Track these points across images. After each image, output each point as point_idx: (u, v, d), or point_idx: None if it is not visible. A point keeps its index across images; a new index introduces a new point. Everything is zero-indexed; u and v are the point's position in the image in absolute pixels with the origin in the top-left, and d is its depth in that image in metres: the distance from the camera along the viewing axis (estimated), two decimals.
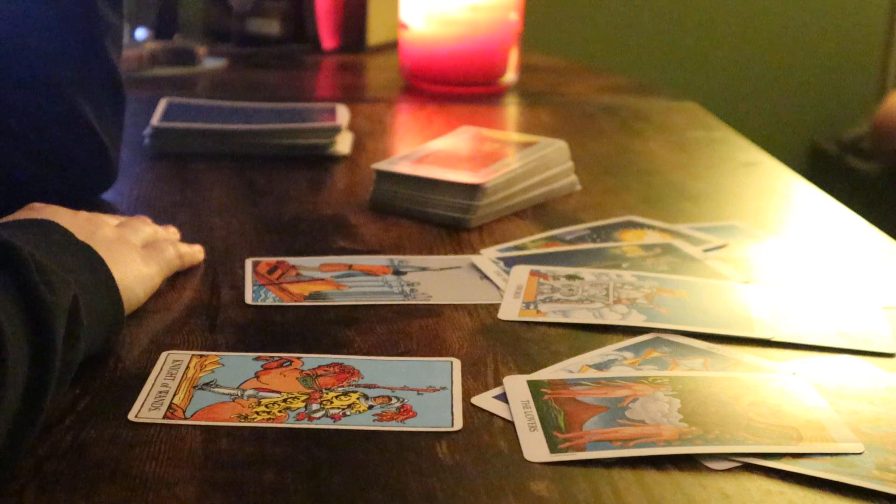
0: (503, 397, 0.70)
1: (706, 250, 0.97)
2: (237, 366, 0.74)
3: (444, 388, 0.71)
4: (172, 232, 0.93)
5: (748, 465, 0.63)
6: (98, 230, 0.81)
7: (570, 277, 0.89)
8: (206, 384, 0.71)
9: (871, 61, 2.69)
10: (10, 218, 0.80)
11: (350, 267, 0.92)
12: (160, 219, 0.94)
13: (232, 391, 0.71)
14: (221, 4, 1.85)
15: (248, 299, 0.85)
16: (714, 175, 1.25)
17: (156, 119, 1.24)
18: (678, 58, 2.62)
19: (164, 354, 0.75)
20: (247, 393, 0.70)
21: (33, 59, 0.98)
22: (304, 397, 0.70)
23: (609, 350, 0.78)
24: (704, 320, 0.82)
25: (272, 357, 0.75)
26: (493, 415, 0.68)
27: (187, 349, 0.76)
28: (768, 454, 0.64)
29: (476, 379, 0.73)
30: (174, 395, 0.70)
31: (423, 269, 0.92)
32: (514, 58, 1.58)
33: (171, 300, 0.84)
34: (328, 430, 0.66)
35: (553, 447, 0.64)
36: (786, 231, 1.04)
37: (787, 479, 0.62)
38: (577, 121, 1.46)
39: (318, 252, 0.95)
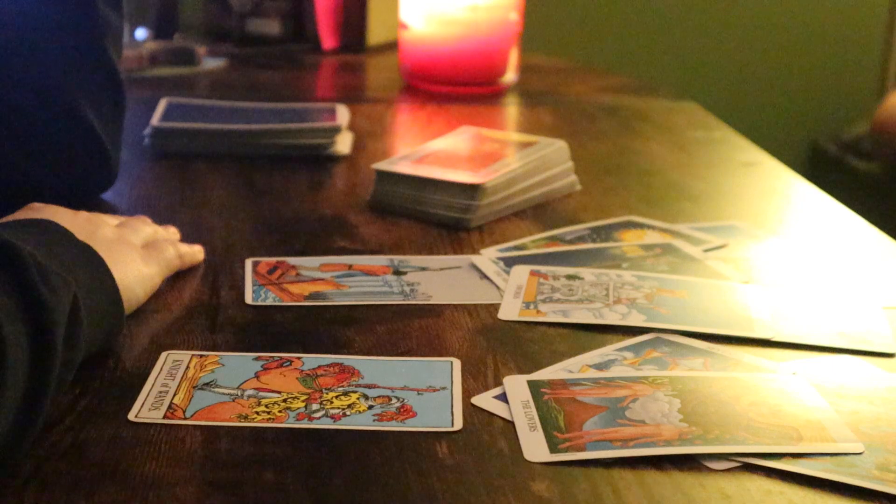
0: (503, 397, 0.70)
1: (706, 250, 0.97)
2: (237, 366, 0.74)
3: (444, 388, 0.71)
4: (172, 232, 0.93)
5: (748, 465, 0.63)
6: (98, 230, 0.81)
7: (570, 277, 0.89)
8: (206, 384, 0.71)
9: (871, 61, 2.68)
10: (10, 218, 0.80)
11: (350, 267, 0.92)
12: (160, 219, 0.94)
13: (232, 391, 0.71)
14: (221, 4, 1.85)
15: (248, 299, 0.85)
16: (714, 175, 1.25)
17: (156, 119, 1.24)
18: (678, 58, 2.62)
19: (164, 354, 0.75)
20: (247, 393, 0.70)
21: (33, 60, 0.98)
22: (304, 397, 0.70)
23: (609, 350, 0.78)
24: (704, 320, 0.82)
25: (272, 357, 0.75)
26: (493, 415, 0.69)
27: (187, 349, 0.76)
28: (768, 454, 0.64)
29: (476, 379, 0.73)
30: (174, 395, 0.70)
31: (423, 269, 0.92)
32: (514, 58, 1.58)
33: (171, 300, 0.84)
34: (328, 430, 0.66)
35: (553, 447, 0.64)
36: (786, 231, 1.04)
37: (787, 479, 0.62)
38: (577, 121, 1.46)
39: (318, 252, 0.95)
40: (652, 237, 1.00)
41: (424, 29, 1.55)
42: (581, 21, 2.59)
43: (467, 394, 0.71)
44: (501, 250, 0.96)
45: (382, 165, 1.08)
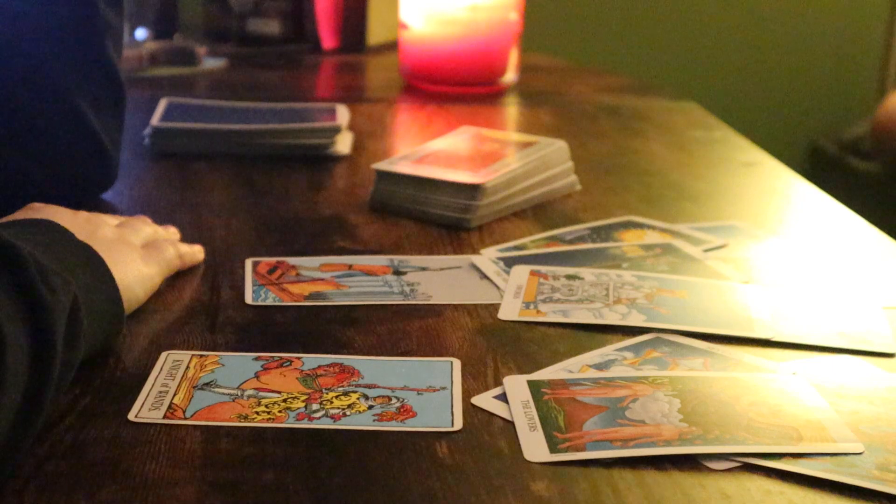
0: (503, 397, 0.70)
1: (706, 250, 0.97)
2: (237, 366, 0.74)
3: (444, 388, 0.71)
4: (172, 232, 0.93)
5: (748, 465, 0.63)
6: (98, 230, 0.81)
7: (570, 277, 0.89)
8: (206, 384, 0.71)
9: (871, 61, 2.68)
10: (10, 218, 0.80)
11: (350, 267, 0.92)
12: (160, 219, 0.94)
13: (232, 391, 0.71)
14: (221, 4, 1.85)
15: (248, 299, 0.85)
16: (714, 175, 1.25)
17: (156, 119, 1.24)
18: (678, 58, 2.62)
19: (164, 354, 0.75)
20: (247, 393, 0.70)
21: (33, 60, 0.98)
22: (304, 397, 0.70)
23: (609, 350, 0.78)
24: (704, 320, 0.82)
25: (272, 357, 0.75)
26: (493, 415, 0.69)
27: (187, 349, 0.76)
28: (768, 454, 0.64)
29: (476, 379, 0.73)
30: (174, 395, 0.70)
31: (423, 269, 0.92)
32: (514, 58, 1.58)
33: (171, 300, 0.84)
34: (328, 430, 0.66)
35: (553, 447, 0.64)
36: (786, 231, 1.04)
37: (787, 479, 0.62)
38: (577, 121, 1.46)
39: (318, 252, 0.95)
40: (652, 237, 1.00)
41: (424, 29, 1.55)
42: (581, 21, 2.59)
43: (467, 394, 0.71)
44: (501, 250, 0.96)
45: (382, 165, 1.08)
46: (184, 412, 0.68)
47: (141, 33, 1.74)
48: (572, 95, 1.61)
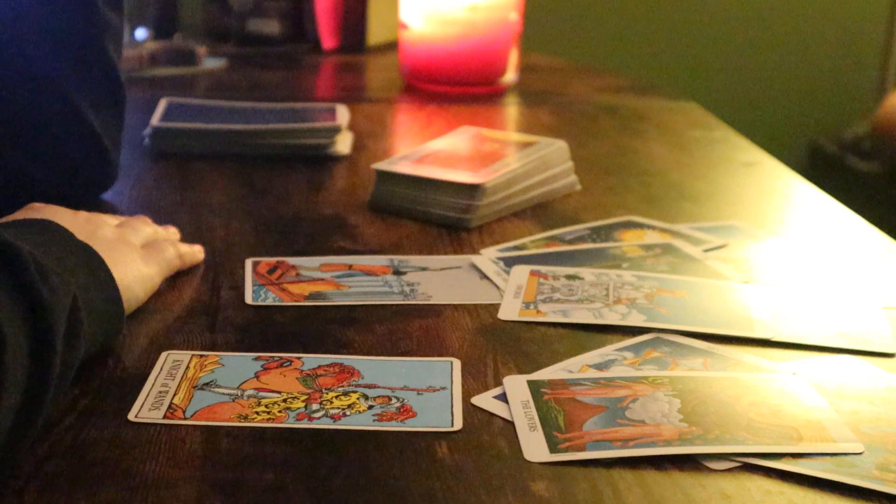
0: (503, 397, 0.70)
1: (706, 250, 0.97)
2: (237, 366, 0.74)
3: (444, 388, 0.71)
4: (172, 232, 0.93)
5: (748, 465, 0.63)
6: (98, 230, 0.81)
7: (570, 277, 0.89)
8: (206, 384, 0.71)
9: (871, 61, 2.69)
10: (10, 218, 0.80)
11: (350, 267, 0.92)
12: (160, 219, 0.94)
13: (232, 391, 0.71)
14: (221, 4, 1.85)
15: (248, 299, 0.85)
16: (714, 175, 1.25)
17: (156, 119, 1.24)
18: (678, 58, 2.62)
19: (164, 354, 0.75)
20: (247, 393, 0.70)
21: (33, 60, 0.98)
22: (304, 397, 0.70)
23: (609, 350, 0.78)
24: (704, 320, 0.82)
25: (272, 357, 0.75)
26: (493, 415, 0.68)
27: (187, 349, 0.76)
28: (768, 454, 0.64)
29: (476, 379, 0.73)
30: (174, 395, 0.70)
31: (423, 269, 0.92)
32: (514, 58, 1.58)
33: (171, 300, 0.84)
34: (328, 430, 0.66)
35: (553, 447, 0.64)
36: (786, 231, 1.04)
37: (787, 479, 0.62)
38: (577, 121, 1.46)
39: (318, 252, 0.95)
40: (652, 237, 1.00)
41: (424, 29, 1.55)
42: (581, 21, 2.59)
43: (467, 394, 0.71)
44: (501, 250, 0.96)
45: (382, 165, 1.08)
46: (184, 412, 0.68)
47: (141, 33, 1.74)
48: (572, 95, 1.61)
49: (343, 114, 1.29)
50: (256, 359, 0.75)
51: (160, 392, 0.70)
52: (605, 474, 0.62)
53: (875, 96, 2.64)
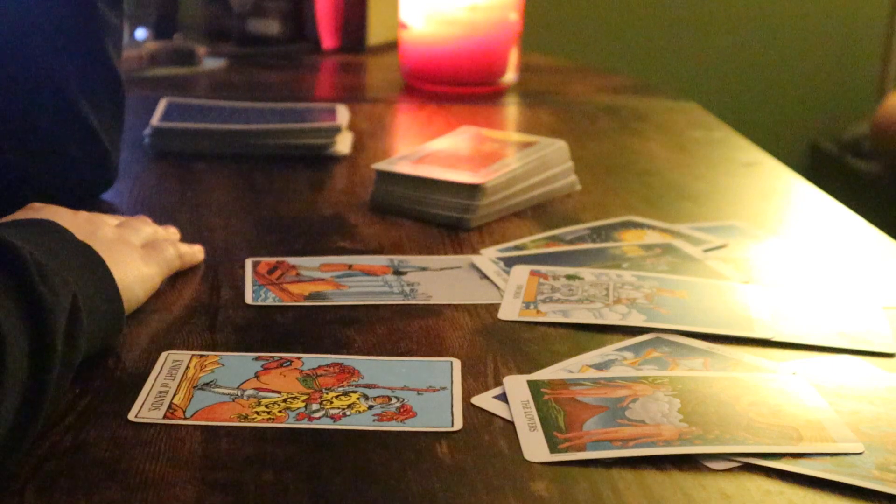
0: (503, 397, 0.70)
1: (706, 250, 0.97)
2: (237, 366, 0.74)
3: (444, 388, 0.71)
4: (172, 232, 0.93)
5: (748, 465, 0.63)
6: (98, 230, 0.81)
7: (570, 277, 0.89)
8: (206, 384, 0.71)
9: (871, 61, 2.69)
10: (10, 218, 0.80)
11: (350, 267, 0.92)
12: (160, 219, 0.94)
13: (232, 391, 0.71)
14: (221, 4, 1.85)
15: (248, 299, 0.85)
16: (714, 175, 1.25)
17: (156, 119, 1.24)
18: (678, 58, 2.62)
19: (164, 354, 0.75)
20: (247, 393, 0.70)
21: (33, 60, 0.98)
22: (304, 397, 0.70)
23: (609, 350, 0.78)
24: (704, 320, 0.82)
25: (272, 357, 0.75)
26: (493, 415, 0.68)
27: (187, 349, 0.76)
28: (768, 454, 0.64)
29: (476, 379, 0.73)
30: (174, 395, 0.70)
31: (423, 269, 0.92)
32: (514, 58, 1.58)
33: (171, 300, 0.84)
34: (328, 430, 0.66)
35: (553, 447, 0.64)
36: (786, 231, 1.04)
37: (787, 479, 0.62)
38: (577, 121, 1.46)
39: (318, 252, 0.95)
40: (652, 237, 1.00)
41: (424, 29, 1.55)
42: (581, 21, 2.59)
43: (467, 394, 0.71)
44: (501, 250, 0.96)
45: (382, 165, 1.08)
46: (184, 412, 0.68)
47: (141, 33, 1.74)
48: (572, 95, 1.61)
49: (343, 114, 1.29)
50: (256, 359, 0.75)
51: (160, 392, 0.70)
52: (605, 474, 0.62)
53: (875, 96, 2.64)
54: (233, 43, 1.82)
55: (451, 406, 0.69)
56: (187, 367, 0.74)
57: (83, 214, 0.83)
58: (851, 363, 0.77)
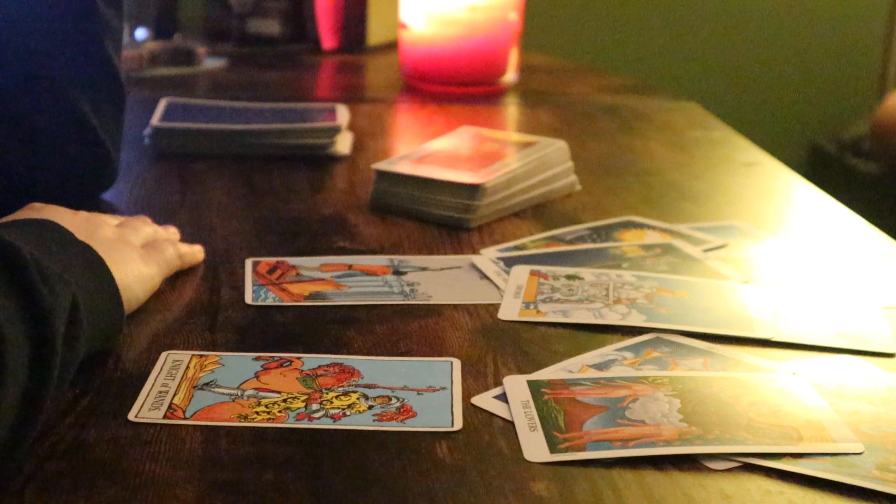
0: (503, 397, 0.70)
1: (706, 250, 0.97)
2: (237, 366, 0.74)
3: (444, 388, 0.71)
4: (172, 232, 0.93)
5: (748, 465, 0.63)
6: (98, 230, 0.81)
7: (570, 277, 0.89)
8: (206, 384, 0.71)
9: (871, 61, 2.68)
10: (10, 218, 0.80)
11: (350, 267, 0.92)
12: (160, 219, 0.94)
13: (232, 391, 0.71)
14: (221, 4, 1.85)
15: (248, 299, 0.85)
16: (714, 175, 1.25)
17: (156, 119, 1.24)
18: (678, 58, 2.62)
19: (164, 354, 0.75)
20: (247, 393, 0.70)
21: (33, 60, 0.98)
22: (304, 397, 0.70)
23: (609, 350, 0.78)
24: (704, 320, 0.82)
25: (272, 357, 0.75)
26: (493, 415, 0.68)
27: (187, 349, 0.76)
28: (768, 454, 0.64)
29: (476, 379, 0.73)
30: (174, 395, 0.70)
31: (423, 269, 0.92)
32: (514, 58, 1.58)
33: (171, 300, 0.84)
34: (328, 430, 0.66)
35: (553, 447, 0.64)
36: (786, 231, 1.04)
37: (787, 479, 0.62)
38: (577, 121, 1.46)
39: (318, 252, 0.95)
40: (652, 237, 1.00)
41: (424, 29, 1.55)
42: (581, 21, 2.59)
43: (467, 394, 0.71)
44: (501, 250, 0.96)
45: (382, 165, 1.08)
46: (184, 412, 0.68)
47: (141, 33, 1.74)
48: (572, 95, 1.61)
49: (343, 114, 1.29)
50: (256, 359, 0.75)
51: (160, 392, 0.70)
52: (605, 474, 0.62)
53: (875, 96, 2.64)
54: (233, 43, 1.82)
55: (451, 406, 0.69)
56: (187, 367, 0.74)
57: (83, 214, 0.83)
58: (851, 363, 0.77)
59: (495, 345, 0.78)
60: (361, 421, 0.67)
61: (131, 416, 0.67)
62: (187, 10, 1.89)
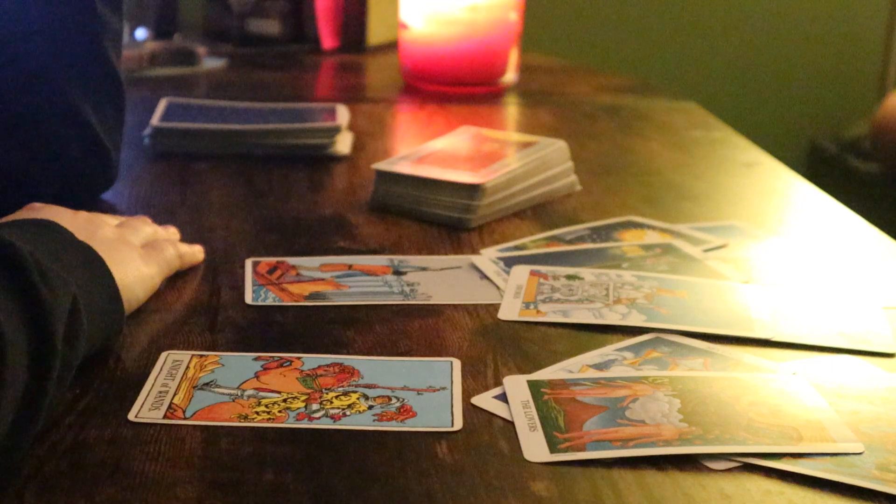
0: (503, 397, 0.70)
1: (706, 250, 0.97)
2: (237, 366, 0.74)
3: (444, 388, 0.71)
4: (172, 232, 0.93)
5: (748, 465, 0.63)
6: (98, 230, 0.81)
7: (570, 277, 0.89)
8: (206, 384, 0.71)
9: (871, 61, 2.68)
10: (10, 218, 0.80)
11: (350, 267, 0.92)
12: (160, 219, 0.94)
13: (232, 391, 0.71)
14: (221, 4, 1.85)
15: (248, 299, 0.85)
16: (714, 175, 1.25)
17: (156, 119, 1.24)
18: (678, 58, 2.62)
19: (164, 354, 0.75)
20: (247, 393, 0.70)
21: (33, 60, 0.98)
22: (304, 397, 0.70)
23: (609, 350, 0.78)
24: (704, 320, 0.82)
25: (272, 357, 0.75)
26: (493, 415, 0.69)
27: (187, 349, 0.76)
28: (768, 454, 0.64)
29: (476, 379, 0.73)
30: (174, 395, 0.70)
31: (423, 269, 0.92)
32: (514, 58, 1.58)
33: (171, 300, 0.84)
34: (328, 430, 0.66)
35: (553, 447, 0.64)
36: (786, 231, 1.04)
37: (787, 479, 0.62)
38: (577, 121, 1.46)
39: (318, 252, 0.95)
40: (652, 237, 1.00)
41: (424, 29, 1.55)
42: (581, 21, 2.59)
43: (467, 394, 0.71)
44: (501, 250, 0.96)
45: (382, 165, 1.08)
46: (184, 412, 0.68)
47: (141, 33, 1.74)
48: (572, 95, 1.61)
49: (343, 114, 1.29)
50: (256, 359, 0.75)
51: (160, 392, 0.70)
52: (605, 474, 0.62)
53: (875, 96, 2.64)
54: (233, 43, 1.82)
55: (451, 406, 0.69)
56: (187, 367, 0.74)
57: (83, 214, 0.83)
58: (851, 363, 0.77)
59: (495, 345, 0.78)
60: (361, 421, 0.67)
61: (131, 416, 0.67)
62: (187, 10, 1.89)
